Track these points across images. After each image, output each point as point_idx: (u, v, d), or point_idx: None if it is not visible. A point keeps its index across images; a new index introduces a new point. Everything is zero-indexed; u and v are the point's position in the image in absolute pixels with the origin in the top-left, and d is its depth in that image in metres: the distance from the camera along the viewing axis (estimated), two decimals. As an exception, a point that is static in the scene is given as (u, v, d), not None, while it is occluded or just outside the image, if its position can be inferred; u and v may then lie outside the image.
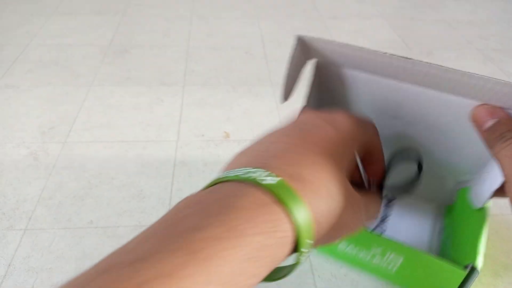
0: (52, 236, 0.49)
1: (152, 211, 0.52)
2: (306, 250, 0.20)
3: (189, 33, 0.99)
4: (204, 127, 0.68)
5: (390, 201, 0.53)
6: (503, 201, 0.54)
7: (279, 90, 0.79)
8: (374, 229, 0.48)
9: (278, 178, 0.19)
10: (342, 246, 0.45)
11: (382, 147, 0.28)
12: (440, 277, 0.41)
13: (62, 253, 0.47)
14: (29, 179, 0.57)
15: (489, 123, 0.24)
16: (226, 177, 0.20)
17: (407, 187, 0.29)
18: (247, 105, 0.74)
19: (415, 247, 0.41)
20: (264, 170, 0.20)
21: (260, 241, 0.17)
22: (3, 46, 0.90)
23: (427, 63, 0.36)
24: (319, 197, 0.20)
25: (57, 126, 0.67)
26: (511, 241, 0.48)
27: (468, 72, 0.31)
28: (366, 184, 0.32)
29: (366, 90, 0.44)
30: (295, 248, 0.20)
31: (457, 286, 0.40)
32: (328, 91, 0.49)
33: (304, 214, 0.19)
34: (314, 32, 1.03)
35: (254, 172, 0.20)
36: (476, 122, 0.25)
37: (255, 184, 0.19)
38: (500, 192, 0.29)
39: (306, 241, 0.19)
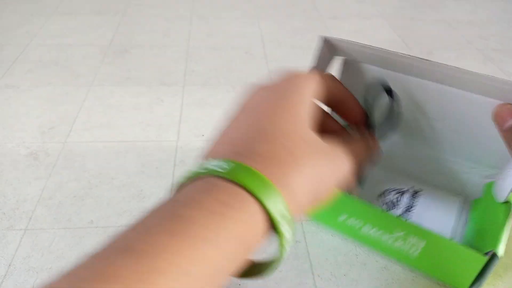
0: (52, 236, 0.49)
1: (152, 211, 0.52)
2: (287, 228, 0.20)
3: (189, 33, 0.99)
4: (204, 127, 0.68)
5: (416, 192, 0.55)
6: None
7: (279, 90, 0.79)
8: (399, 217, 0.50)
9: (232, 163, 0.19)
10: (366, 229, 0.47)
11: (349, 91, 0.28)
12: (460, 263, 0.42)
13: (62, 253, 0.47)
14: (29, 179, 0.57)
15: (510, 122, 0.24)
16: (188, 176, 0.20)
17: (390, 122, 0.30)
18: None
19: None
20: (220, 159, 0.20)
21: (229, 227, 0.18)
22: (3, 46, 0.90)
23: (446, 65, 0.38)
24: (282, 168, 0.20)
25: (57, 126, 0.67)
26: (511, 241, 0.48)
27: (488, 75, 0.33)
28: (353, 132, 0.33)
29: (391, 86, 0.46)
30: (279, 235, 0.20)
31: (478, 272, 0.42)
32: (354, 87, 0.50)
33: (269, 190, 0.19)
34: (314, 32, 1.03)
35: (209, 164, 0.20)
36: (497, 121, 0.26)
37: (215, 175, 0.19)
38: None
39: (280, 216, 0.19)
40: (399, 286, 0.46)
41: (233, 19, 1.08)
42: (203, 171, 0.20)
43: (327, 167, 0.22)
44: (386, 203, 0.54)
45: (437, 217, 0.52)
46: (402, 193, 0.55)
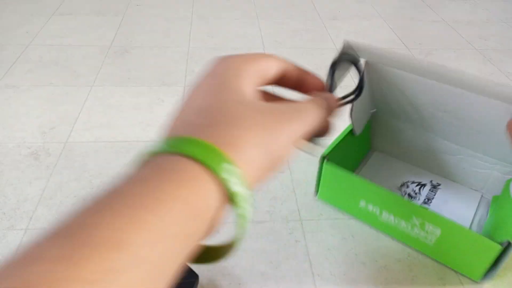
0: (53, 236, 0.49)
1: (153, 210, 0.53)
2: (243, 194, 0.19)
3: (189, 33, 1.00)
4: (204, 127, 0.68)
5: (435, 186, 0.57)
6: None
7: (278, 91, 0.79)
8: None
9: (179, 139, 0.20)
10: (385, 215, 0.49)
11: (305, 69, 0.28)
12: (475, 252, 0.44)
13: (63, 252, 0.47)
14: (29, 179, 0.57)
15: None
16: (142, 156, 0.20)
17: (355, 91, 0.31)
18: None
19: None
20: (168, 138, 0.20)
21: (183, 200, 0.17)
22: (3, 46, 0.90)
23: (460, 71, 0.41)
24: (229, 133, 0.20)
25: (58, 126, 0.67)
26: None
27: (498, 83, 0.36)
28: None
29: (411, 87, 0.49)
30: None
31: (492, 261, 0.43)
32: (377, 86, 0.53)
33: (216, 156, 0.19)
34: (314, 32, 1.03)
35: (158, 144, 0.20)
36: (510, 134, 0.27)
37: (163, 152, 0.19)
38: None
39: (233, 181, 0.19)
40: (398, 285, 0.46)
41: (233, 19, 1.08)
42: (152, 150, 0.20)
43: (277, 125, 0.22)
44: (406, 194, 0.56)
45: (456, 210, 0.54)
46: (422, 185, 0.58)
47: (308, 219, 0.53)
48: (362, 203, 0.51)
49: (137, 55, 0.89)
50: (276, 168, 0.23)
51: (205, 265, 0.21)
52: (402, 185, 0.58)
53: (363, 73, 0.32)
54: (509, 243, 0.41)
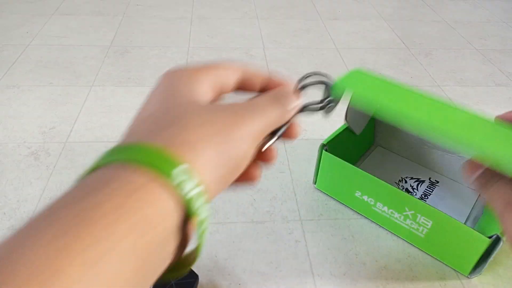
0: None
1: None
2: (198, 197, 0.18)
3: (189, 33, 1.00)
4: (204, 127, 0.68)
5: (433, 183, 0.58)
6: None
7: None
8: None
9: (127, 147, 0.18)
10: (379, 206, 0.50)
11: (261, 71, 0.27)
12: (466, 245, 0.45)
13: (63, 252, 0.47)
14: (30, 179, 0.57)
15: (475, 175, 0.26)
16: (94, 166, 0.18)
17: (323, 103, 0.29)
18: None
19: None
20: (123, 145, 0.18)
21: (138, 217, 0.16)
22: (3, 46, 0.90)
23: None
24: (182, 137, 0.19)
25: (58, 126, 0.67)
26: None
27: None
28: None
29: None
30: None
31: (481, 254, 0.44)
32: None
33: (166, 163, 0.17)
34: (314, 32, 1.03)
35: (109, 152, 0.18)
36: (465, 176, 0.27)
37: (113, 161, 0.18)
38: None
39: (187, 185, 0.17)
40: (398, 285, 0.46)
41: (233, 19, 1.08)
42: (102, 161, 0.18)
43: (232, 123, 0.21)
44: (404, 189, 0.57)
45: (451, 206, 0.55)
46: (420, 182, 0.59)
47: (308, 219, 0.53)
48: (358, 193, 0.52)
49: (137, 55, 0.89)
50: (237, 169, 0.22)
51: (168, 279, 0.19)
52: (401, 180, 0.58)
53: (330, 93, 0.30)
54: (497, 237, 0.41)
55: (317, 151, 0.54)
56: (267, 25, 1.06)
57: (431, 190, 0.57)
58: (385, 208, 0.50)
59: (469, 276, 0.46)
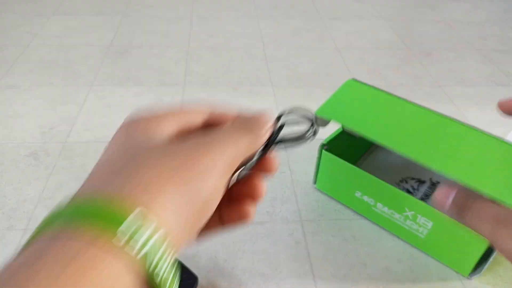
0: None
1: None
2: (155, 252, 0.16)
3: (189, 33, 0.99)
4: (204, 127, 0.68)
5: (434, 184, 0.58)
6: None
7: (279, 90, 0.79)
8: None
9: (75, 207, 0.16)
10: (379, 206, 0.50)
11: (231, 107, 0.25)
12: (466, 245, 0.45)
13: (62, 253, 0.47)
14: (29, 179, 0.57)
15: (448, 201, 0.26)
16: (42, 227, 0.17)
17: (301, 136, 0.27)
18: (247, 105, 0.74)
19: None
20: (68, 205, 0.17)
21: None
22: (3, 46, 0.90)
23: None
24: (136, 184, 0.17)
25: (58, 126, 0.67)
26: None
27: None
28: None
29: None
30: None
31: (480, 255, 0.44)
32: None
33: (114, 220, 0.16)
34: (314, 32, 1.03)
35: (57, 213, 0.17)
36: (438, 205, 0.26)
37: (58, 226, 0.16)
38: None
39: (142, 240, 0.15)
40: (399, 286, 0.46)
41: (233, 19, 1.08)
42: (42, 225, 0.17)
43: (194, 160, 0.19)
44: (405, 190, 0.56)
45: None
46: (421, 182, 0.58)
47: (309, 220, 0.53)
48: (358, 194, 0.52)
49: (137, 55, 0.89)
50: (206, 209, 0.19)
51: None
52: (401, 181, 0.58)
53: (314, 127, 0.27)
54: None
55: (317, 151, 0.54)
56: (267, 24, 1.06)
57: (432, 191, 0.57)
58: (385, 209, 0.50)
59: (469, 276, 0.46)
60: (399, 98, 0.50)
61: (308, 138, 0.27)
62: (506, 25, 1.14)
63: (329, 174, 0.54)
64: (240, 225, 0.23)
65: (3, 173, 0.58)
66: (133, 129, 0.21)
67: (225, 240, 0.49)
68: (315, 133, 0.27)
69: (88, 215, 0.16)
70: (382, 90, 0.51)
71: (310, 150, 0.64)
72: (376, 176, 0.49)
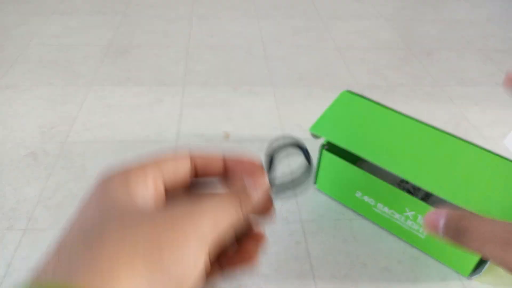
0: (52, 237, 0.49)
1: (152, 211, 0.52)
2: None
3: (189, 33, 0.99)
4: (204, 127, 0.68)
5: None
6: None
7: (279, 90, 0.79)
8: None
9: None
10: (379, 207, 0.50)
11: (222, 152, 0.23)
12: None
13: (62, 253, 0.47)
14: (28, 179, 0.57)
15: (440, 223, 0.22)
16: None
17: (299, 180, 0.24)
18: (247, 105, 0.74)
19: None
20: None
21: None
22: (3, 46, 0.89)
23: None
24: (100, 269, 0.16)
25: (57, 126, 0.67)
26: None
27: None
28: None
29: None
30: None
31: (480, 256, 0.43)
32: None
33: None
34: (314, 32, 1.03)
35: None
36: (430, 230, 0.23)
37: None
38: None
39: None
40: (400, 287, 0.46)
41: (233, 19, 1.08)
42: None
43: (169, 236, 0.17)
44: (405, 190, 0.56)
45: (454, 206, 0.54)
46: None
47: (309, 220, 0.53)
48: (358, 194, 0.52)
49: (136, 55, 0.89)
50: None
51: None
52: (402, 181, 0.58)
53: (309, 157, 0.25)
54: None
55: (317, 150, 0.53)
56: (267, 24, 1.06)
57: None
58: (386, 209, 0.50)
59: (469, 277, 0.46)
60: (393, 111, 0.51)
61: (305, 182, 0.24)
62: (506, 25, 1.14)
63: (329, 174, 0.54)
64: (243, 270, 0.21)
65: (2, 173, 0.57)
66: (109, 187, 0.19)
67: (225, 240, 0.49)
68: (310, 172, 0.24)
69: None
70: (376, 103, 0.52)
71: (310, 149, 0.63)
72: (377, 176, 0.49)
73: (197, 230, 0.18)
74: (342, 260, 0.48)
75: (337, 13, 1.15)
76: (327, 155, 0.52)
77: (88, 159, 0.60)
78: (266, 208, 0.22)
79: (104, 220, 0.18)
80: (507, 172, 0.42)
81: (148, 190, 0.19)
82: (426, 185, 0.43)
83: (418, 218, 0.47)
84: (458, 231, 0.22)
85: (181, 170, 0.22)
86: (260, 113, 0.72)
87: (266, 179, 0.22)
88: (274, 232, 0.51)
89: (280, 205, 0.54)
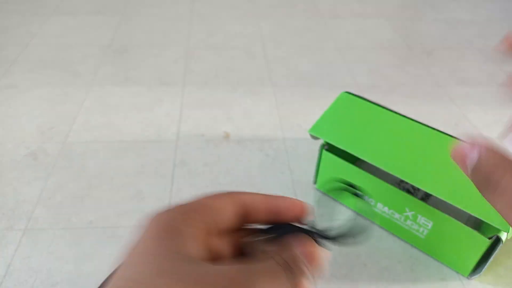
0: (52, 237, 0.49)
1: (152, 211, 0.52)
2: None
3: (189, 33, 0.99)
4: (204, 127, 0.68)
5: None
6: None
7: (279, 90, 0.79)
8: None
9: None
10: (379, 206, 0.50)
11: (262, 194, 0.22)
12: (466, 245, 0.45)
13: (61, 253, 0.47)
14: (28, 179, 0.57)
15: (470, 161, 0.19)
16: None
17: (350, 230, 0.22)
18: (247, 105, 0.74)
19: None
20: None
21: None
22: (3, 46, 0.89)
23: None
24: None
25: (57, 126, 0.67)
26: (511, 242, 0.48)
27: None
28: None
29: None
30: None
31: (481, 255, 0.44)
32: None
33: None
34: (314, 32, 1.03)
35: None
36: (456, 161, 0.20)
37: None
38: None
39: None
40: (400, 286, 0.46)
41: (233, 19, 1.08)
42: None
43: None
44: (405, 190, 0.56)
45: (452, 207, 0.54)
46: None
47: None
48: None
49: (136, 55, 0.89)
50: None
51: None
52: (402, 181, 0.58)
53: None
54: (497, 237, 0.41)
55: (317, 150, 0.53)
56: (267, 24, 1.06)
57: None
58: (386, 209, 0.50)
59: (469, 277, 0.46)
60: (392, 112, 0.51)
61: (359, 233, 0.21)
62: (507, 25, 1.14)
63: (329, 174, 0.54)
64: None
65: (2, 173, 0.57)
66: (161, 237, 0.19)
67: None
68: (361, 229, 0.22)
69: None
70: (375, 104, 0.52)
71: (310, 149, 0.63)
72: (377, 176, 0.49)
73: None
74: (342, 260, 0.48)
75: (338, 12, 1.14)
76: (327, 155, 0.52)
77: (88, 159, 0.60)
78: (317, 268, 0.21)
79: (162, 269, 0.17)
80: None
81: (197, 240, 0.19)
82: (424, 186, 0.43)
83: (417, 218, 0.47)
84: (487, 181, 0.18)
85: (228, 217, 0.21)
86: (260, 113, 0.72)
87: (321, 253, 0.21)
88: (274, 232, 0.51)
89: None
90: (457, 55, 0.95)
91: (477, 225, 0.52)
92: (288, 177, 0.59)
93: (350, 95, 0.53)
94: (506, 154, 0.18)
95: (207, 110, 0.72)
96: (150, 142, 0.64)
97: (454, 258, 0.47)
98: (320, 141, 0.53)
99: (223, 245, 0.21)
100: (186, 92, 0.77)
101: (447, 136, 0.47)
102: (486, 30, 1.09)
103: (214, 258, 0.20)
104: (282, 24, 1.06)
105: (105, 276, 0.43)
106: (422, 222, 0.47)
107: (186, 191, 0.56)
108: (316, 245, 0.20)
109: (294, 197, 0.23)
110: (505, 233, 0.41)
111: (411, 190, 0.56)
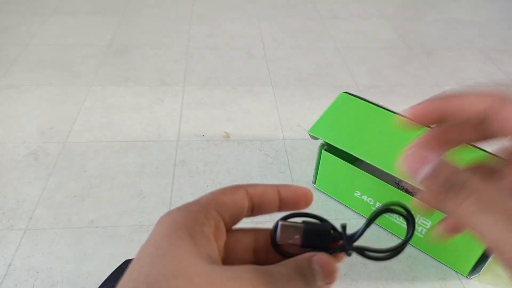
0: (52, 236, 0.49)
1: (153, 211, 0.52)
2: None
3: (189, 33, 0.99)
4: (204, 127, 0.68)
5: None
6: None
7: (279, 90, 0.79)
8: None
9: None
10: (379, 205, 0.50)
11: (270, 184, 0.23)
12: (465, 245, 0.45)
13: (62, 253, 0.47)
14: (29, 179, 0.57)
15: (426, 168, 0.17)
16: None
17: (397, 249, 0.21)
18: (247, 105, 0.74)
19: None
20: None
21: None
22: (3, 46, 0.90)
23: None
24: None
25: (57, 126, 0.67)
26: None
27: None
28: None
29: None
30: None
31: (479, 254, 0.44)
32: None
33: None
34: (314, 32, 1.03)
35: None
36: (407, 171, 0.18)
37: None
38: None
39: None
40: (399, 286, 0.46)
41: (233, 19, 1.08)
42: None
43: None
44: (404, 189, 0.56)
45: None
46: None
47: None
48: (357, 193, 0.52)
49: (136, 55, 0.89)
50: None
51: None
52: (401, 180, 0.58)
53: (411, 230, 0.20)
54: None
55: (316, 150, 0.54)
56: (267, 24, 1.06)
57: None
58: None
59: (468, 276, 0.46)
60: (390, 112, 0.51)
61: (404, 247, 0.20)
62: (506, 25, 1.14)
63: (329, 174, 0.54)
64: None
65: (2, 173, 0.58)
66: (174, 236, 0.19)
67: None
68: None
69: None
70: (374, 104, 0.52)
71: (310, 150, 0.64)
72: (376, 176, 0.49)
73: None
74: (341, 259, 0.48)
75: (337, 13, 1.15)
76: (327, 155, 0.52)
77: (88, 159, 0.61)
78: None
79: (169, 276, 0.17)
80: None
81: (211, 242, 0.19)
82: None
83: (416, 217, 0.47)
84: (450, 184, 0.16)
85: (241, 208, 0.21)
86: (260, 113, 0.72)
87: (336, 266, 0.20)
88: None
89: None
90: (457, 55, 0.95)
91: None
92: (288, 177, 0.59)
93: (350, 96, 0.54)
94: (461, 169, 0.17)
95: (207, 110, 0.72)
96: (150, 142, 0.64)
97: (453, 258, 0.47)
98: (320, 141, 0.53)
99: (237, 243, 0.21)
100: (186, 92, 0.77)
101: None
102: (486, 30, 1.09)
103: (228, 256, 0.20)
104: (282, 24, 1.07)
105: (105, 275, 0.43)
106: (421, 221, 0.47)
107: (186, 191, 0.56)
108: (333, 258, 0.20)
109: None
110: None
111: (410, 190, 0.57)
